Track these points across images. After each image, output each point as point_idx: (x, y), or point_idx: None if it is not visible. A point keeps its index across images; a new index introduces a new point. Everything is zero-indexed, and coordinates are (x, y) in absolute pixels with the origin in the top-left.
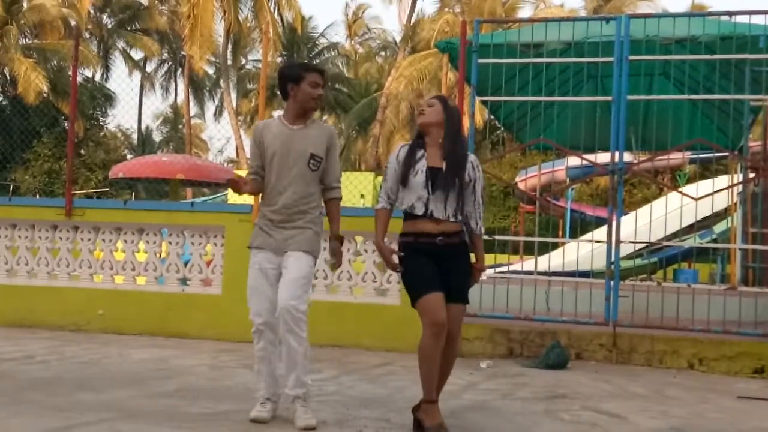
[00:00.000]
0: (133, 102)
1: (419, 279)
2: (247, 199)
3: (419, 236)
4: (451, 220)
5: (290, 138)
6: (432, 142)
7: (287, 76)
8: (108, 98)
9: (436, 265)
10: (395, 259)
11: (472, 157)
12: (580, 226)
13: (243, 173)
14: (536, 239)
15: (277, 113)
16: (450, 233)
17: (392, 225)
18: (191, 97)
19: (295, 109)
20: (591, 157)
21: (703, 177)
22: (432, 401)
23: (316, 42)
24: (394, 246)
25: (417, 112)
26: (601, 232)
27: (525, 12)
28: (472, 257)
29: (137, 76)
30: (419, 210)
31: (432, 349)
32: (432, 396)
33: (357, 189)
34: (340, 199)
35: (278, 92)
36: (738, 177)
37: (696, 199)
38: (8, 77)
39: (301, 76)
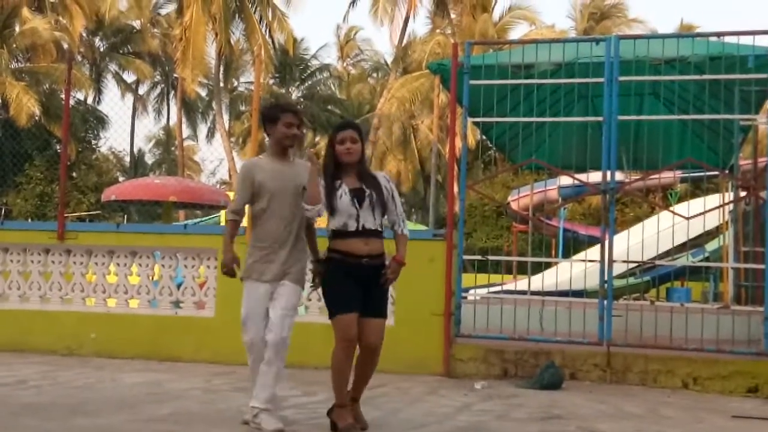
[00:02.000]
0: (125, 124)
1: (339, 298)
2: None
3: (347, 255)
4: (379, 229)
5: (285, 173)
6: (346, 170)
7: (266, 117)
8: (100, 121)
9: (357, 283)
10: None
11: (381, 173)
12: (573, 245)
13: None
14: (529, 259)
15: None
16: (375, 255)
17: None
18: (184, 119)
19: (275, 146)
20: (583, 176)
21: (694, 195)
22: (343, 405)
23: (308, 63)
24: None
25: (344, 150)
26: (594, 252)
27: (516, 33)
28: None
29: (130, 98)
30: (352, 226)
31: (342, 362)
32: (343, 401)
33: None
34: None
35: None
36: (729, 196)
37: (688, 219)
38: (0, 100)
39: (277, 117)
